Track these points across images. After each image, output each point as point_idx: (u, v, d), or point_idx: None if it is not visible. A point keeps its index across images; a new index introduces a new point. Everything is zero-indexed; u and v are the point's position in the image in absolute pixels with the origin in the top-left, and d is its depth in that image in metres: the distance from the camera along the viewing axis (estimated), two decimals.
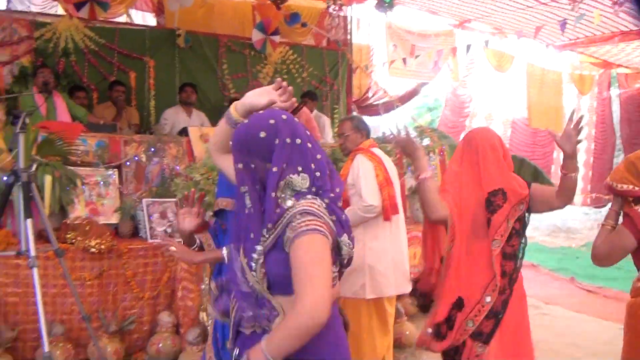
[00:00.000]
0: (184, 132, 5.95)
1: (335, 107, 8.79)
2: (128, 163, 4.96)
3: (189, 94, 6.85)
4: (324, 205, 1.73)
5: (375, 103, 10.00)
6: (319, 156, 1.78)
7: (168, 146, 5.15)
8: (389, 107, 9.84)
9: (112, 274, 4.38)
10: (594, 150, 12.89)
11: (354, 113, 9.88)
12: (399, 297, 4.35)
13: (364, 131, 3.98)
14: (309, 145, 1.77)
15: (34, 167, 3.79)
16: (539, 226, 12.75)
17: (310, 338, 1.62)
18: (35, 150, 4.32)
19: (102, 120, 6.30)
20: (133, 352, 4.42)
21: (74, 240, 4.26)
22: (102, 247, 4.27)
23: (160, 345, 4.30)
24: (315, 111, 7.22)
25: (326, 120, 7.29)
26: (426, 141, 6.97)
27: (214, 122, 7.25)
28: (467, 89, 11.35)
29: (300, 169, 1.73)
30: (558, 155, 12.52)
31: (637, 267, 2.74)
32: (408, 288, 3.91)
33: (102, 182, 4.85)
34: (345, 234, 1.75)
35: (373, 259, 3.69)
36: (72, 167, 4.59)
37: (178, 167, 4.92)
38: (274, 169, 1.70)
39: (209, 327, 4.07)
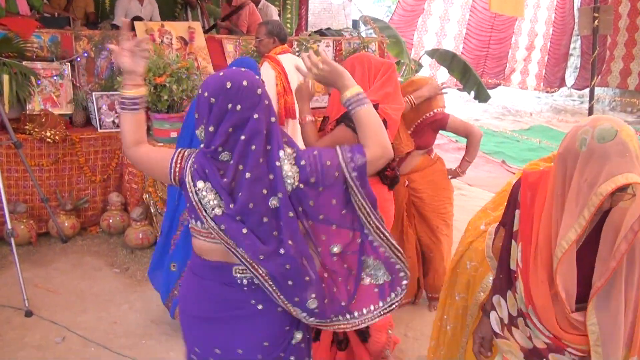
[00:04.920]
0: (135, 20, 6.31)
1: None
2: (79, 59, 5.42)
3: None
4: (193, 154, 1.99)
5: None
6: (230, 129, 1.92)
7: (115, 41, 5.54)
8: None
9: (67, 160, 5.03)
10: (551, 35, 13.25)
11: None
12: None
13: (277, 37, 4.36)
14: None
15: None
16: (488, 109, 13.23)
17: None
18: None
19: (56, 10, 6.65)
20: (88, 226, 5.19)
21: (32, 132, 4.85)
22: (57, 137, 4.88)
23: (111, 220, 5.04)
24: (262, 1, 7.51)
25: (273, 10, 7.58)
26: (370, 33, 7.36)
27: (164, 9, 7.58)
28: None
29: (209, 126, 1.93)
30: (516, 40, 12.89)
31: None
32: None
33: (56, 76, 5.33)
34: (200, 181, 1.90)
35: None
36: (28, 63, 5.08)
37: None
38: (196, 115, 1.99)
39: (150, 207, 4.82)
